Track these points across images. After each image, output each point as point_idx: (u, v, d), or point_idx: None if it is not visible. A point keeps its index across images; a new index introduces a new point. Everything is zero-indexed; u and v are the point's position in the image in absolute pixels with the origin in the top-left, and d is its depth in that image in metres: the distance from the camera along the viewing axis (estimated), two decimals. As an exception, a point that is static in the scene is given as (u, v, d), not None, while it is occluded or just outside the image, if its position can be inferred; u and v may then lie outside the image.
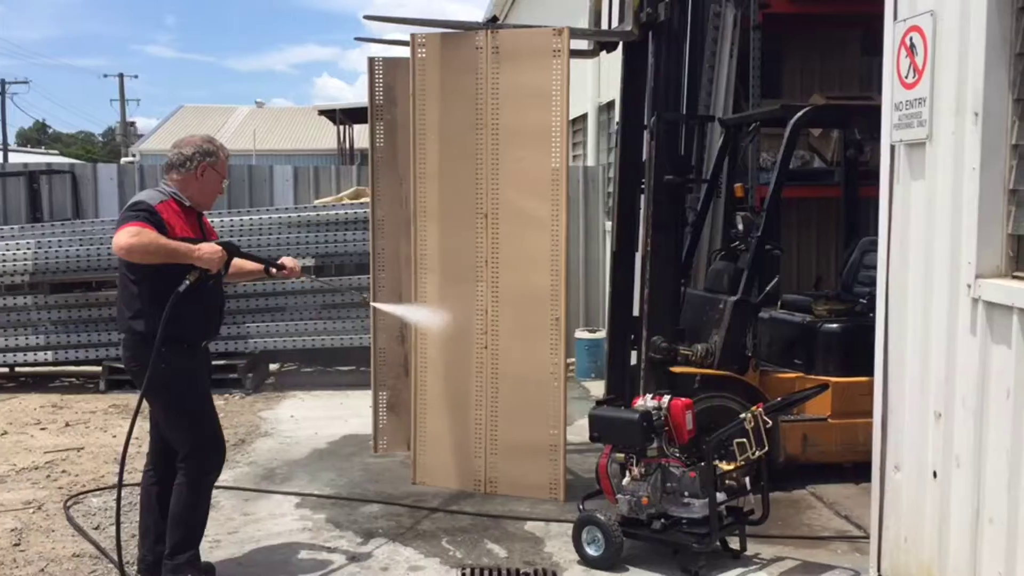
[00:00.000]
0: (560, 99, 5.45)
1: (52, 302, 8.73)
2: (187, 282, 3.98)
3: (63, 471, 6.14)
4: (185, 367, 4.15)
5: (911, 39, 3.81)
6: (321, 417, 7.72)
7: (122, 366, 8.51)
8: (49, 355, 8.79)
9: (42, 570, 4.51)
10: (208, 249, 4.02)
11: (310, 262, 8.93)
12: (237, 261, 4.31)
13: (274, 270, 4.46)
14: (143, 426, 7.21)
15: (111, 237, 9.27)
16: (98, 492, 5.69)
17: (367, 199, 7.46)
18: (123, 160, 32.88)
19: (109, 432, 7.21)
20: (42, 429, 7.33)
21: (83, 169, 10.42)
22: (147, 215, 3.99)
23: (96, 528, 5.09)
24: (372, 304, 5.68)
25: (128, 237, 3.89)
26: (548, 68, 5.45)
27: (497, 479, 5.68)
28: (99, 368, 8.81)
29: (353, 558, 4.66)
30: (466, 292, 5.69)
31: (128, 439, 4.08)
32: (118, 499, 4.14)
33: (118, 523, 4.15)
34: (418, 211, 5.77)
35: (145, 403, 4.14)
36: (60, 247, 8.65)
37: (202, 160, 4.20)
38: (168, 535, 4.18)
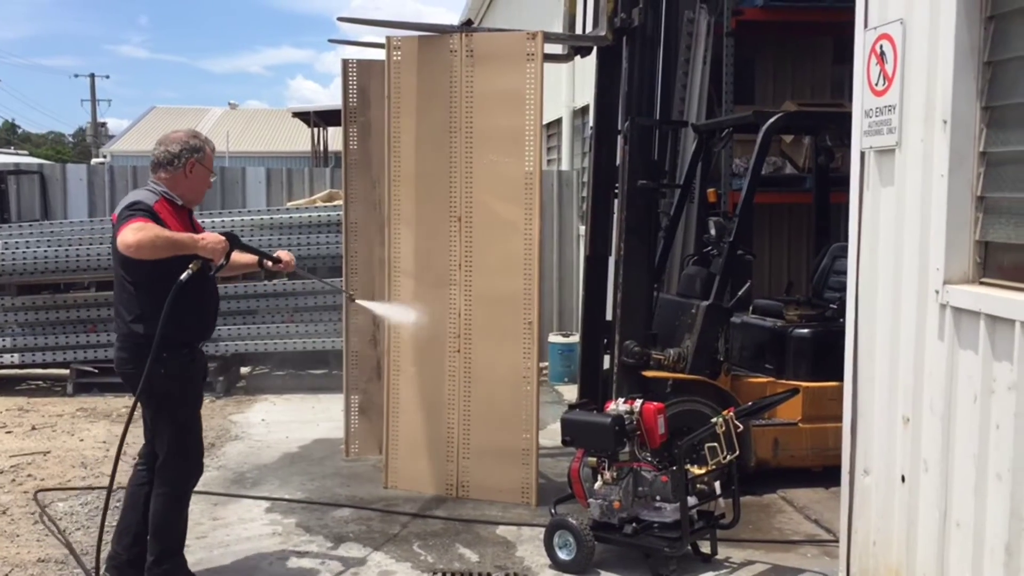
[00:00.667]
0: (534, 103, 5.46)
1: (19, 304, 8.62)
2: (190, 271, 3.94)
3: (28, 475, 6.06)
4: (182, 373, 4.11)
5: (881, 47, 3.85)
6: (292, 421, 7.67)
7: (89, 369, 8.56)
8: (16, 357, 8.67)
9: (7, 575, 4.43)
10: (212, 239, 3.99)
11: (282, 265, 8.85)
12: (235, 257, 4.25)
13: (269, 263, 4.44)
14: (112, 430, 7.15)
15: (79, 239, 9.21)
16: (64, 496, 5.61)
17: (340, 202, 7.43)
18: (94, 161, 32.50)
19: (76, 436, 7.12)
20: (7, 432, 7.23)
21: (52, 170, 10.29)
22: (147, 213, 3.95)
23: (63, 533, 5.01)
24: (358, 302, 5.63)
25: (134, 233, 3.83)
26: (522, 72, 5.46)
27: (469, 483, 5.66)
28: (67, 371, 8.70)
29: (323, 563, 4.62)
30: (439, 296, 5.68)
31: (121, 444, 4.04)
32: (106, 503, 4.11)
33: (102, 527, 4.11)
34: (392, 214, 5.75)
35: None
36: (28, 248, 8.53)
37: (190, 156, 4.16)
38: (151, 544, 4.15)
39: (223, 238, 4.02)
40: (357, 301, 5.66)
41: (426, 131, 5.67)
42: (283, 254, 4.50)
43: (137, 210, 3.95)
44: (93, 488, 5.77)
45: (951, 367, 3.44)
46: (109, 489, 4.08)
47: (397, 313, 5.63)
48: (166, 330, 3.90)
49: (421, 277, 5.72)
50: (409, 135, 5.70)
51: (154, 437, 4.19)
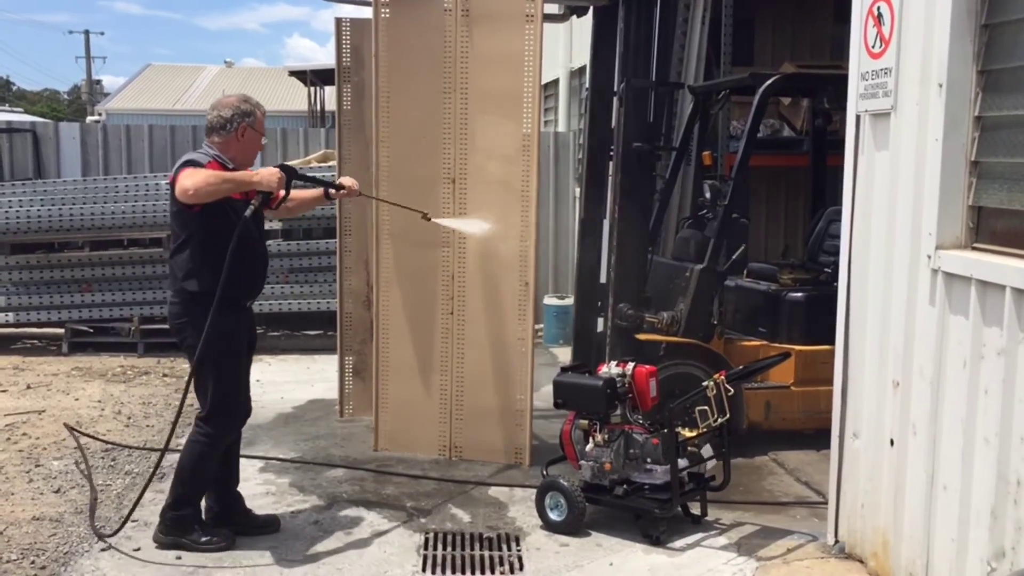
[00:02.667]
0: (533, 64, 5.40)
1: (13, 263, 8.59)
2: (252, 206, 4.09)
3: (24, 434, 6.07)
4: (228, 329, 4.23)
5: (878, 9, 3.81)
6: (287, 381, 7.69)
7: (84, 328, 8.56)
8: (10, 316, 8.67)
9: (1, 533, 4.47)
10: (266, 171, 4.11)
11: (277, 225, 8.84)
12: (296, 193, 4.40)
13: (333, 191, 4.55)
14: (107, 389, 7.15)
15: (73, 198, 9.17)
16: (59, 454, 5.64)
17: (335, 162, 7.38)
18: (88, 119, 32.29)
19: (71, 395, 7.13)
20: (2, 391, 7.24)
21: (45, 128, 10.23)
22: (199, 167, 4.08)
23: (56, 492, 5.04)
24: (435, 220, 5.51)
25: (188, 179, 3.98)
26: (520, 32, 5.39)
27: (462, 445, 5.69)
28: (61, 330, 8.71)
29: (316, 522, 4.66)
30: (432, 257, 5.66)
31: (182, 404, 4.25)
32: (157, 463, 4.43)
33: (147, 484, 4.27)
34: (380, 175, 5.70)
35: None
36: (21, 207, 8.49)
37: (241, 121, 4.27)
38: (173, 485, 4.32)
39: (277, 169, 4.13)
40: (433, 220, 5.53)
41: (418, 92, 5.61)
42: (346, 180, 4.61)
43: (189, 163, 4.10)
44: (107, 442, 5.80)
45: (942, 332, 3.45)
46: (164, 450, 4.35)
47: (471, 226, 5.55)
48: (213, 284, 4.03)
49: (413, 238, 5.68)
50: (400, 95, 5.63)
51: (198, 391, 4.30)
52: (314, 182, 4.56)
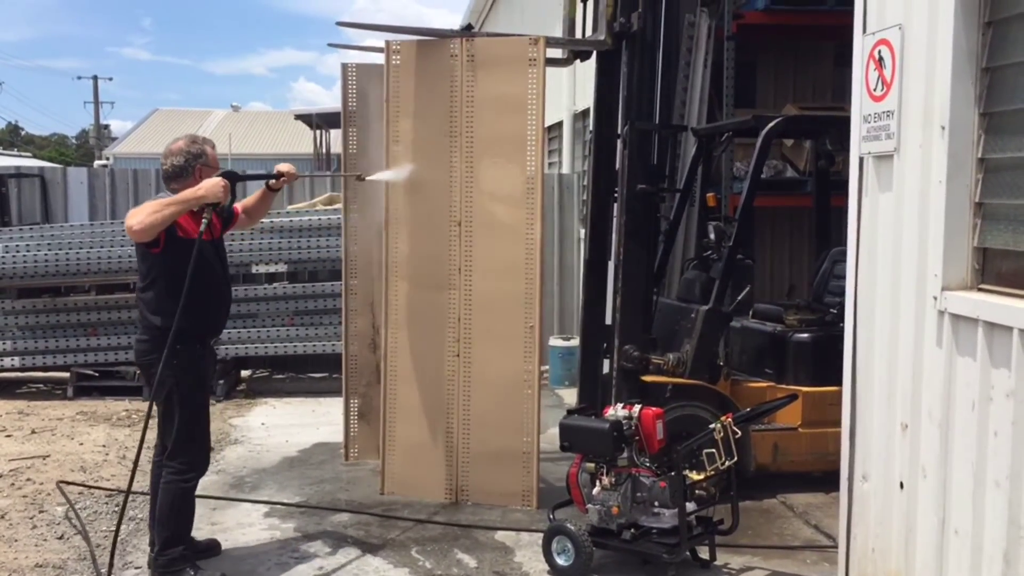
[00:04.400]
0: (536, 107, 5.45)
1: (20, 307, 8.61)
2: (205, 220, 4.17)
3: (28, 479, 6.05)
4: (193, 366, 4.31)
5: (879, 52, 3.84)
6: (292, 424, 7.67)
7: (89, 372, 8.55)
8: (16, 360, 8.66)
9: (3, 581, 4.44)
10: (207, 183, 4.20)
11: (283, 267, 8.87)
12: (244, 202, 4.61)
13: (273, 181, 4.70)
14: (112, 434, 7.14)
15: (80, 242, 9.23)
16: (62, 501, 5.60)
17: (340, 205, 7.42)
18: (96, 163, 32.58)
19: (76, 440, 7.11)
20: (7, 436, 7.22)
21: (53, 173, 10.30)
22: None
23: (60, 538, 5.01)
24: (368, 178, 5.73)
25: (132, 217, 4.11)
26: (524, 77, 5.45)
27: (469, 488, 5.66)
28: (67, 374, 8.70)
29: (321, 568, 4.62)
30: (439, 300, 5.67)
31: (141, 442, 4.18)
32: (124, 502, 4.31)
33: (118, 526, 4.35)
34: (390, 218, 5.74)
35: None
36: (28, 251, 8.53)
37: (195, 162, 4.40)
38: (157, 531, 4.36)
39: (218, 178, 4.21)
40: (367, 178, 5.74)
41: (425, 136, 5.66)
42: (282, 167, 4.71)
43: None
44: (105, 489, 5.76)
45: (949, 374, 3.43)
46: (128, 490, 4.26)
47: (396, 174, 5.67)
48: (182, 321, 4.08)
49: (420, 281, 5.71)
50: (408, 139, 5.69)
51: (163, 428, 4.35)
52: (254, 178, 4.77)
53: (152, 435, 4.40)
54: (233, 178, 4.30)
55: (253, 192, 5.02)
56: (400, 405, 5.80)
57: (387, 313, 5.77)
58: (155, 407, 4.33)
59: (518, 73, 5.46)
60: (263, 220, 8.87)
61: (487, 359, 5.60)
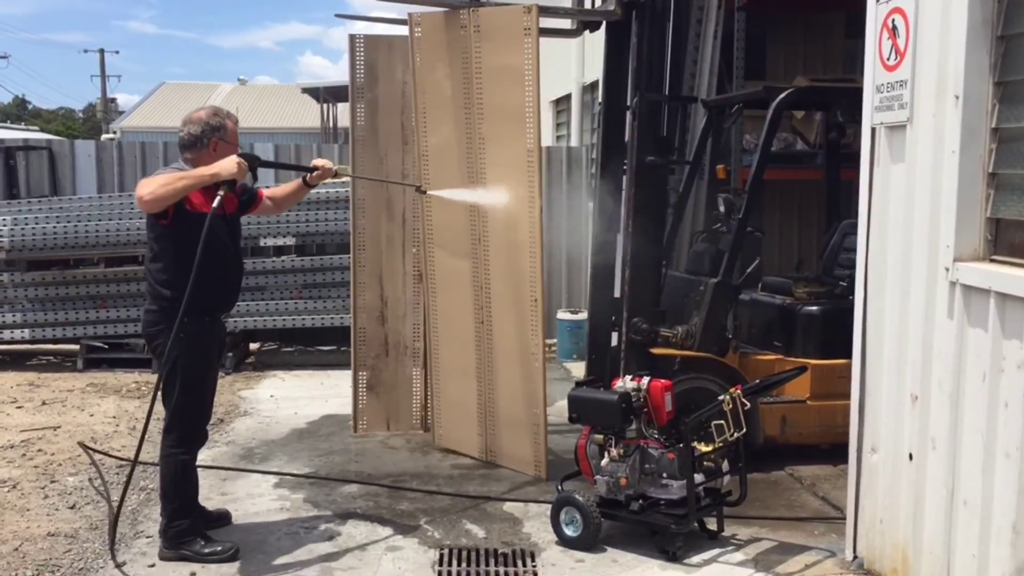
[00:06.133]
0: (532, 78, 5.38)
1: (29, 279, 8.63)
2: (219, 197, 4.08)
3: (39, 450, 6.09)
4: (201, 342, 4.28)
5: (893, 21, 3.80)
6: (301, 397, 7.70)
7: (99, 345, 8.59)
8: (26, 333, 8.70)
9: (16, 549, 4.47)
10: (226, 160, 4.11)
11: (291, 241, 8.87)
12: (277, 190, 4.57)
13: (309, 175, 4.62)
14: (122, 405, 7.18)
15: (88, 215, 9.24)
16: (74, 470, 5.65)
17: (348, 178, 7.40)
18: (103, 137, 32.56)
19: (86, 411, 7.16)
20: (18, 407, 7.27)
21: (60, 146, 10.29)
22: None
23: (72, 508, 5.05)
24: (430, 192, 5.73)
25: (143, 187, 4.05)
26: (520, 47, 5.39)
27: (496, 450, 5.83)
28: (76, 347, 8.74)
29: (331, 538, 4.65)
30: (465, 268, 5.80)
31: (149, 413, 4.14)
32: (129, 474, 4.26)
33: (122, 500, 4.34)
34: (427, 187, 5.90)
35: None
36: (37, 224, 8.54)
37: (212, 135, 4.30)
38: (163, 504, 4.36)
39: (236, 157, 4.13)
40: (429, 192, 5.75)
41: (447, 107, 5.72)
42: (318, 161, 4.64)
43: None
44: (117, 458, 5.81)
45: (960, 345, 3.43)
46: (134, 462, 4.23)
47: (469, 196, 5.67)
48: (189, 293, 4.03)
49: (451, 249, 5.89)
50: (433, 111, 5.79)
51: (164, 399, 4.32)
52: (284, 167, 4.71)
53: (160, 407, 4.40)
54: (253, 161, 4.21)
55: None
56: (443, 365, 6.09)
57: (426, 279, 6.03)
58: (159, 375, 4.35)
59: (515, 43, 5.40)
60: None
61: (504, 328, 5.69)
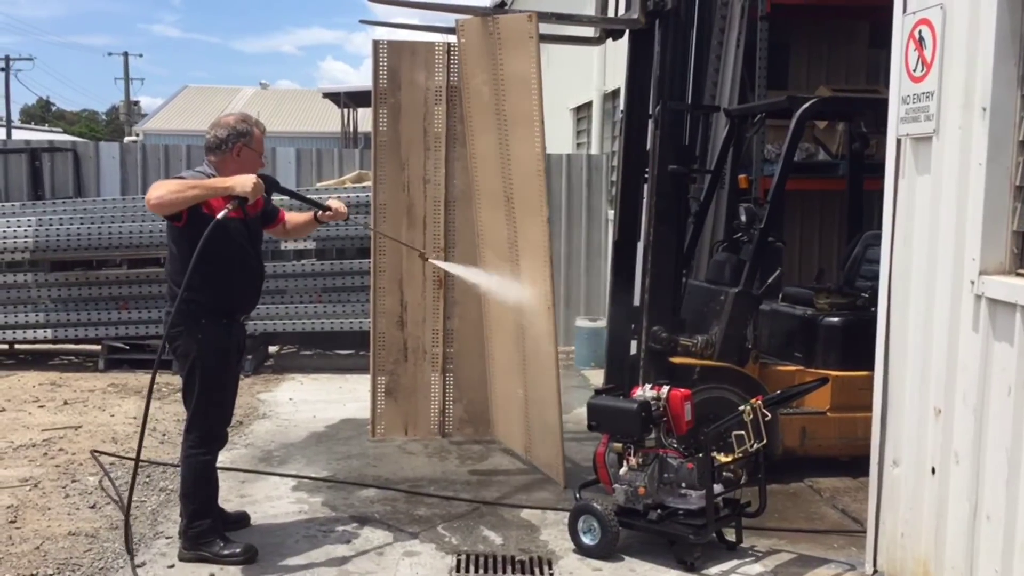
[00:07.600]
0: (535, 84, 5.35)
1: (52, 280, 8.72)
2: (227, 210, 4.08)
3: (60, 449, 6.14)
4: (219, 344, 4.31)
5: (920, 32, 3.78)
6: (320, 400, 7.72)
7: (121, 345, 8.65)
8: (48, 332, 8.78)
9: (38, 547, 4.51)
10: (242, 177, 4.13)
11: (311, 244, 8.92)
12: (291, 217, 4.62)
13: (321, 213, 4.68)
14: (143, 406, 7.22)
15: (112, 216, 9.34)
16: (94, 471, 5.69)
17: (369, 183, 7.43)
18: (126, 139, 32.82)
19: (107, 411, 7.21)
20: (40, 407, 7.33)
21: (85, 147, 10.39)
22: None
23: (92, 507, 5.08)
24: (431, 260, 5.78)
25: (155, 190, 4.09)
26: (527, 53, 5.40)
27: (532, 448, 5.93)
28: (98, 347, 8.81)
29: (348, 542, 4.66)
30: (505, 271, 5.89)
31: (146, 414, 4.11)
32: (134, 475, 4.21)
33: (130, 498, 4.29)
34: (473, 192, 6.14)
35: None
36: (61, 225, 8.63)
37: (237, 140, 4.34)
38: (183, 505, 4.40)
39: (254, 176, 4.15)
40: (430, 260, 5.78)
41: (485, 113, 5.84)
42: (333, 202, 4.68)
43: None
44: (146, 461, 5.84)
45: (985, 359, 3.40)
46: (136, 460, 4.20)
47: (470, 275, 5.78)
48: (204, 295, 4.08)
49: (493, 250, 6.06)
50: (476, 117, 5.96)
51: (185, 401, 4.37)
52: (300, 199, 4.72)
53: (182, 408, 4.43)
54: (271, 185, 4.26)
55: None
56: (496, 363, 6.35)
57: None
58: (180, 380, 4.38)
59: (523, 50, 5.42)
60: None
61: (532, 332, 5.72)
